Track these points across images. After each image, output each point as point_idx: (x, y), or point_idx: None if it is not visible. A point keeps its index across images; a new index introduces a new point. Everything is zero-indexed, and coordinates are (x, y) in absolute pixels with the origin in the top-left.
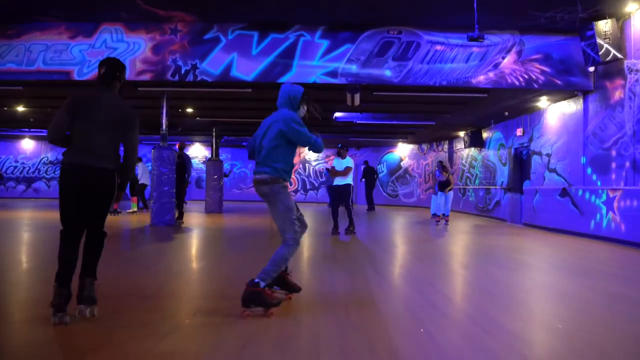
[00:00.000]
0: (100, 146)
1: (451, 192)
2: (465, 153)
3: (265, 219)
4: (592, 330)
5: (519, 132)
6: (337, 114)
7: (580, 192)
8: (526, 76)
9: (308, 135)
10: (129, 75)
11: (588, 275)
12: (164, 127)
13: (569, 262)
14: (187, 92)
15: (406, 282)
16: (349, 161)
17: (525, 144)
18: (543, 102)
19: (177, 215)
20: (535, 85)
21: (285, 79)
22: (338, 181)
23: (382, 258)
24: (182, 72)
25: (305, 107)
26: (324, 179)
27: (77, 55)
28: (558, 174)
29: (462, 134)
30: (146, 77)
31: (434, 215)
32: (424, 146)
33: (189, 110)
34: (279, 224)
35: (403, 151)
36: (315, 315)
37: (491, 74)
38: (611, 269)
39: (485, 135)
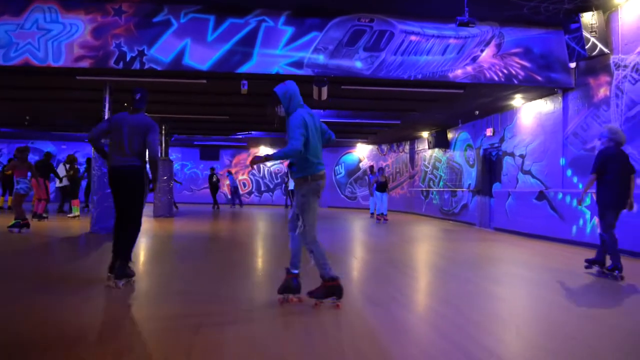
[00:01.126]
0: (128, 151)
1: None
2: (429, 154)
3: (216, 224)
4: None
5: (489, 132)
6: None
7: (560, 196)
8: (505, 71)
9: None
10: (64, 61)
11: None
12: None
13: (561, 272)
14: (134, 82)
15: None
16: None
17: (496, 145)
18: (517, 100)
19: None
20: (515, 81)
21: (244, 68)
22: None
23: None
24: (127, 59)
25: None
26: (279, 180)
27: (2, 36)
28: (533, 176)
29: (425, 134)
30: (85, 63)
31: (372, 214)
32: (384, 147)
33: None
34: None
35: (362, 152)
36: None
37: (469, 68)
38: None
39: (450, 135)
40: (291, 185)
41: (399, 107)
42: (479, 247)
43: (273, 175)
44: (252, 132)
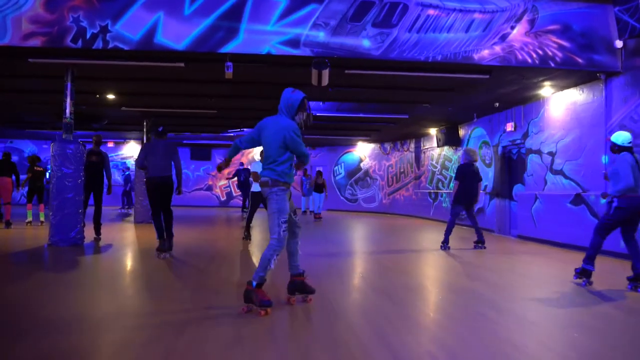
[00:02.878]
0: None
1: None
2: (437, 153)
3: (206, 231)
4: None
5: (510, 127)
6: None
7: (604, 200)
8: (540, 52)
9: (303, 147)
10: (10, 39)
11: None
12: (67, 113)
13: None
14: (100, 67)
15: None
16: None
17: (518, 141)
18: (546, 89)
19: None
20: (552, 64)
21: (229, 48)
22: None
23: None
24: (88, 36)
25: (304, 115)
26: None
27: None
28: (567, 177)
29: (433, 131)
30: (36, 41)
31: (305, 211)
32: (387, 145)
33: (111, 96)
34: (269, 224)
35: (363, 151)
36: None
37: (497, 48)
38: None
39: (462, 132)
40: (255, 187)
41: (409, 99)
42: (511, 262)
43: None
44: (244, 129)
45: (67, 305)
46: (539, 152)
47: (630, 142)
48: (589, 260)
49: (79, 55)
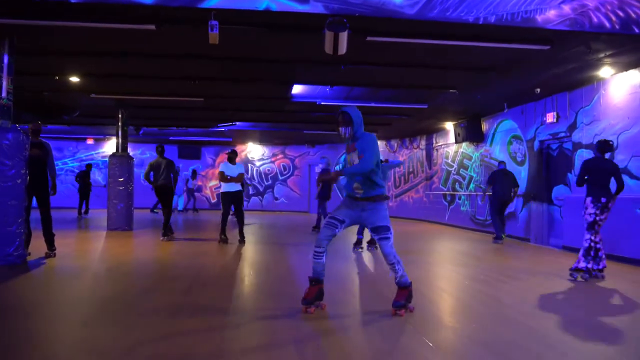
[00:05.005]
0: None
1: None
2: (453, 150)
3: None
4: None
5: (551, 117)
6: (297, 88)
7: None
8: (621, 13)
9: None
10: None
11: None
12: (4, 92)
13: None
14: (44, 31)
15: None
16: (240, 167)
17: (562, 135)
18: (605, 70)
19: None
20: (637, 29)
21: (213, 1)
22: (231, 187)
23: None
24: None
25: (340, 129)
26: (269, 182)
27: None
28: (633, 176)
29: (448, 125)
30: None
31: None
32: (394, 143)
33: (74, 78)
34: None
35: None
36: None
37: (567, 8)
38: None
39: (485, 126)
40: (225, 187)
41: (435, 82)
42: (595, 290)
43: (263, 176)
44: (236, 123)
45: None
46: (592, 146)
47: None
48: None
49: (8, 12)
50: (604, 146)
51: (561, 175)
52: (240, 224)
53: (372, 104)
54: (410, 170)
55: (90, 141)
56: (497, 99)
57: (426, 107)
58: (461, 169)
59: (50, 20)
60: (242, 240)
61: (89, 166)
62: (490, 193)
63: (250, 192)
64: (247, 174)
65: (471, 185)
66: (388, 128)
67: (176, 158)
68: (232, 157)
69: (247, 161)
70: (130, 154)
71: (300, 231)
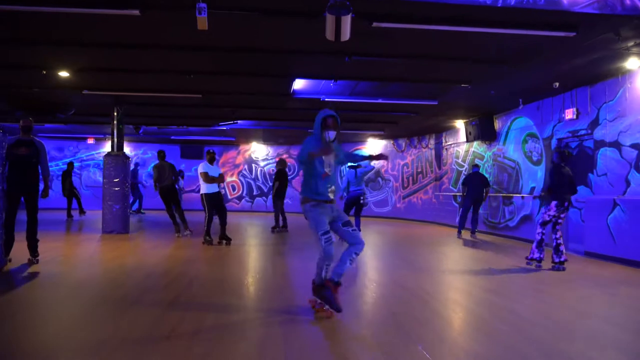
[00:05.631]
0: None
1: None
2: (463, 149)
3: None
4: None
5: (570, 114)
6: (299, 84)
7: None
8: None
9: (299, 156)
10: None
11: None
12: None
13: None
14: (21, 17)
15: None
16: (218, 168)
17: (583, 132)
18: (632, 61)
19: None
20: None
21: None
22: (213, 188)
23: None
24: None
25: (330, 132)
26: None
27: None
28: None
29: (458, 123)
30: None
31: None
32: (402, 142)
33: (63, 73)
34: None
35: (374, 148)
36: None
37: None
38: None
39: (498, 124)
40: (207, 189)
41: (447, 76)
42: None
43: (267, 176)
44: (238, 121)
45: None
46: (616, 144)
47: None
48: None
49: None
50: (565, 154)
51: (581, 176)
52: (224, 224)
53: (379, 100)
54: (419, 170)
55: (91, 141)
56: (512, 95)
57: (436, 103)
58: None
59: (27, 6)
60: (228, 241)
61: (70, 164)
62: (465, 194)
63: (255, 193)
64: (251, 174)
65: None
66: (396, 126)
67: (179, 158)
68: (211, 158)
69: (250, 161)
70: (132, 154)
71: (303, 233)
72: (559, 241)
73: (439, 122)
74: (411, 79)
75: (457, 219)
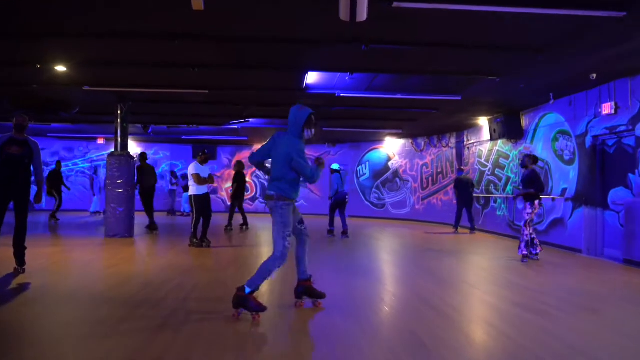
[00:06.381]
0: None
1: None
2: (486, 148)
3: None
4: None
5: (607, 108)
6: (312, 78)
7: None
8: None
9: (307, 169)
10: None
11: None
12: None
13: None
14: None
15: None
16: (208, 169)
17: (622, 128)
18: None
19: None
20: None
21: None
22: (202, 190)
23: None
24: None
25: (311, 131)
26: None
27: None
28: None
29: (482, 120)
30: None
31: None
32: (421, 141)
33: (60, 68)
34: (273, 236)
35: (392, 148)
36: None
37: None
38: None
39: (525, 121)
40: (197, 190)
41: (473, 66)
42: None
43: None
44: (249, 119)
45: None
46: None
47: None
48: None
49: None
50: (537, 158)
51: (620, 176)
52: (207, 227)
53: (398, 96)
54: (439, 170)
55: (101, 141)
56: (542, 88)
57: (459, 98)
58: (497, 169)
59: None
60: (208, 244)
61: (58, 163)
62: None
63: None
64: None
65: (508, 187)
66: (415, 124)
67: (190, 158)
68: (205, 159)
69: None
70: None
71: (318, 237)
72: (533, 235)
73: (460, 119)
74: (433, 70)
75: (456, 219)
